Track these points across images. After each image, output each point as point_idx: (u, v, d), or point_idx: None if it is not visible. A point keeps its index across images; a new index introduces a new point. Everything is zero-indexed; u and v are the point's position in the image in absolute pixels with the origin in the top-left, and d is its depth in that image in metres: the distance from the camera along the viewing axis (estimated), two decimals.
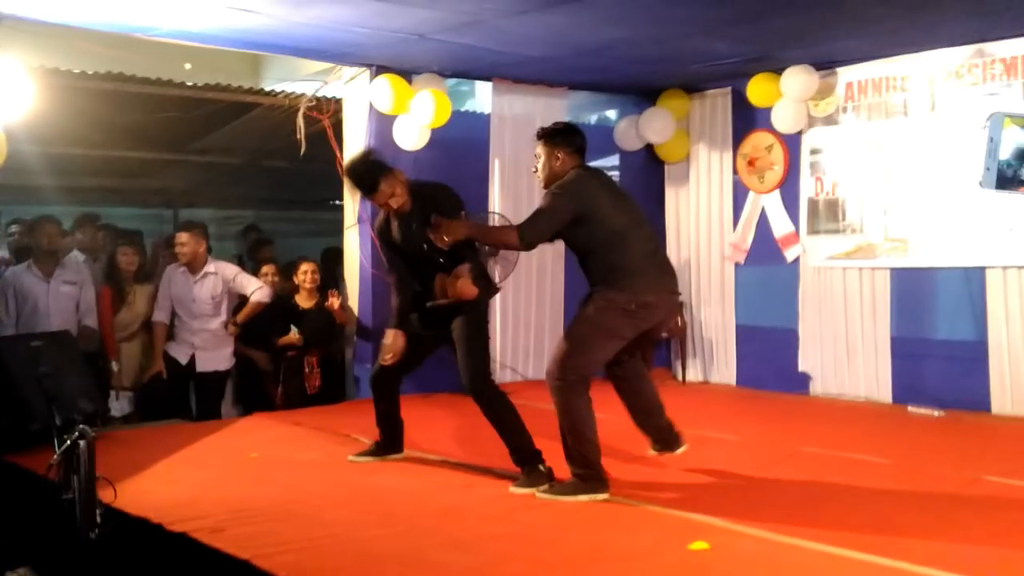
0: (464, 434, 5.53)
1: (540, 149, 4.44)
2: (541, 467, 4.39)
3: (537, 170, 4.47)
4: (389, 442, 5.04)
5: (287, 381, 6.85)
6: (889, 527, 3.74)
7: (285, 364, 6.86)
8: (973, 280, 6.43)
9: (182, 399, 6.67)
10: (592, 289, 4.33)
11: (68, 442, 3.79)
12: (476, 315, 4.57)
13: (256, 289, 6.63)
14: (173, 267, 6.62)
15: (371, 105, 6.91)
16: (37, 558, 4.18)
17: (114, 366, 6.54)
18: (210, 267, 6.59)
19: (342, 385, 7.25)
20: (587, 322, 4.28)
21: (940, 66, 6.52)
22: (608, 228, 4.24)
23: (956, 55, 6.43)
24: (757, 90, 7.31)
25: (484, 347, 4.63)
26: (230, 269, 6.74)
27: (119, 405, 6.60)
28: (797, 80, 7.02)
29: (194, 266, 6.52)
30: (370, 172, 4.59)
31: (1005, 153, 1.48)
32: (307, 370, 6.90)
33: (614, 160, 8.39)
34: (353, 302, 7.16)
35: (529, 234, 4.26)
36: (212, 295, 6.55)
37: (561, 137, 4.43)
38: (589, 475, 4.20)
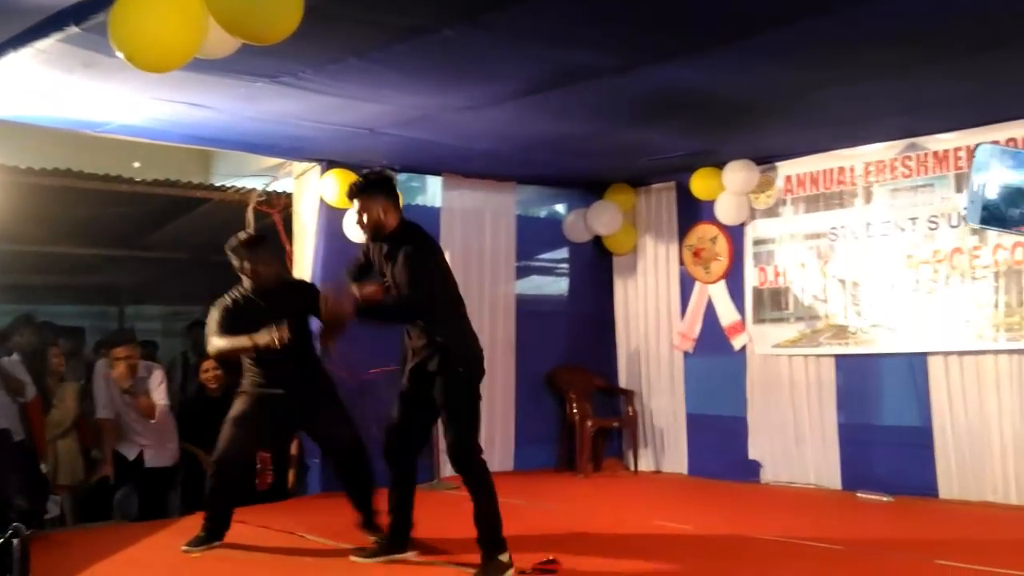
0: (421, 528, 5.41)
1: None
2: (503, 557, 4.31)
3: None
4: (396, 535, 4.78)
5: None
6: None
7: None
8: (916, 366, 6.54)
9: (125, 497, 6.48)
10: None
11: (1, 540, 3.64)
12: (457, 379, 4.48)
13: (160, 405, 6.48)
14: (104, 367, 6.46)
15: (321, 199, 6.95)
16: None
17: (43, 468, 6.33)
18: (142, 371, 6.45)
19: (287, 481, 7.10)
20: None
21: (875, 159, 6.76)
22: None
23: (889, 149, 6.67)
24: (700, 184, 7.50)
25: (469, 415, 4.50)
26: (156, 375, 6.56)
27: (51, 507, 6.39)
28: (738, 175, 7.22)
29: (127, 375, 6.38)
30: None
31: (991, 192, 1.53)
32: (259, 467, 6.75)
33: (563, 252, 8.50)
34: None
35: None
36: (141, 403, 6.41)
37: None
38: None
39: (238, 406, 5.16)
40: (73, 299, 10.59)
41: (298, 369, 5.11)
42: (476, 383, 4.55)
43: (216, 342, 5.05)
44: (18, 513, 3.94)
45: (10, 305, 8.80)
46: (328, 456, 5.04)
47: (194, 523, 5.89)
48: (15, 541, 3.60)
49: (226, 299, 5.24)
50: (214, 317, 5.14)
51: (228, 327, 5.04)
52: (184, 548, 4.96)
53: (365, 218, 4.60)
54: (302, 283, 5.53)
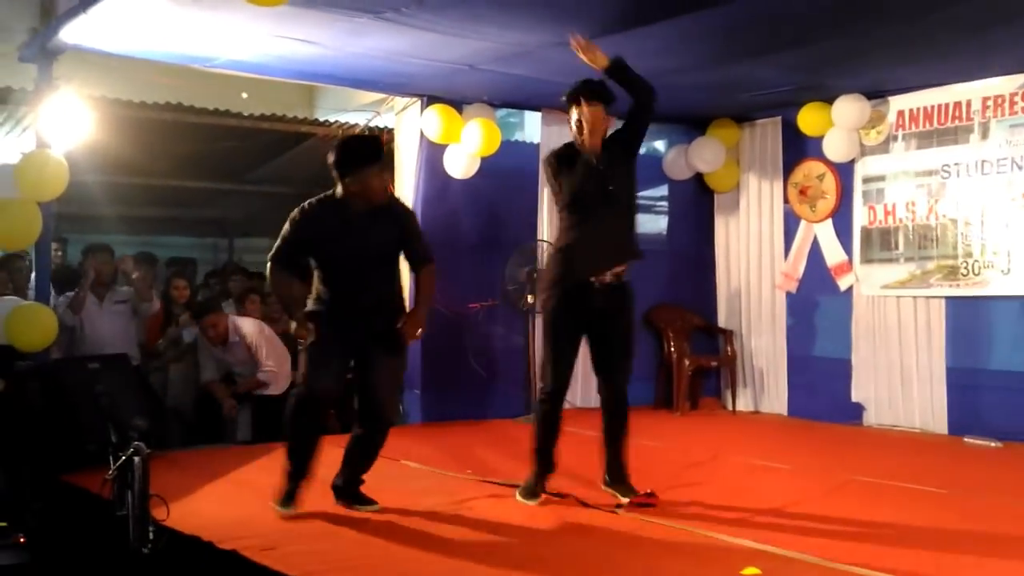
0: (513, 457, 5.50)
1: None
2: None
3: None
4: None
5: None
6: (946, 557, 3.66)
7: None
8: None
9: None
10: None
11: (123, 458, 3.86)
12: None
13: (266, 370, 6.56)
14: (201, 338, 6.63)
15: (422, 134, 7.00)
16: (90, 573, 4.25)
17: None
18: (233, 336, 6.55)
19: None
20: None
21: (993, 93, 6.45)
22: None
23: (1008, 83, 6.36)
24: (808, 119, 7.28)
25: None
26: (252, 333, 6.59)
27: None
28: (848, 109, 6.98)
29: (219, 341, 6.55)
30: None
31: None
32: None
33: (663, 190, 8.39)
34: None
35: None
36: (243, 360, 6.60)
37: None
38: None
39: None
40: (185, 231, 10.95)
41: (376, 311, 4.37)
42: None
43: (270, 274, 4.42)
44: (139, 433, 4.13)
45: (123, 236, 9.18)
46: (362, 418, 4.51)
47: None
48: (136, 459, 3.81)
49: (306, 209, 4.39)
50: (283, 233, 4.35)
51: (295, 250, 4.35)
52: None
53: (591, 124, 4.50)
54: (400, 208, 4.64)
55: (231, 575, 3.65)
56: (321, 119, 7.83)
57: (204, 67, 6.18)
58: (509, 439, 6.30)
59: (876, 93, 6.97)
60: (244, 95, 7.83)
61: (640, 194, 8.68)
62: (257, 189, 9.41)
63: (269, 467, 5.53)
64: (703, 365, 7.98)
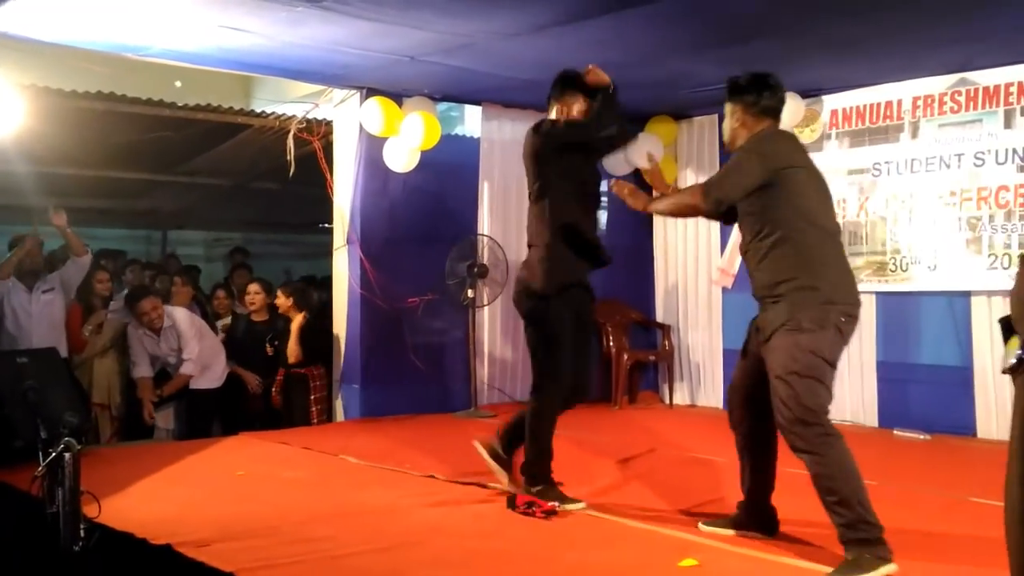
0: (456, 452, 5.51)
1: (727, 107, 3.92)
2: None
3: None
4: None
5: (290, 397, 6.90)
6: None
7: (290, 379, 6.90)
8: (958, 305, 6.48)
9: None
10: (776, 300, 3.60)
11: (53, 455, 3.77)
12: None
13: (187, 360, 6.52)
14: (133, 329, 6.56)
15: (361, 127, 6.94)
16: (20, 572, 4.14)
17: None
18: (166, 321, 6.51)
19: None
20: (807, 352, 3.48)
21: (923, 93, 6.61)
22: (803, 208, 3.58)
23: (939, 83, 6.52)
24: None
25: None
26: (182, 321, 6.56)
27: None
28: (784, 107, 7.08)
29: (155, 327, 6.49)
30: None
31: None
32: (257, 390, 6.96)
33: (603, 185, 8.41)
34: (340, 323, 7.16)
35: (713, 192, 3.73)
36: (175, 349, 6.55)
37: (739, 94, 3.84)
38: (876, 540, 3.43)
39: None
40: (118, 223, 10.73)
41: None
42: None
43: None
44: (69, 429, 4.03)
45: (52, 227, 8.94)
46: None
47: (236, 443, 6.06)
48: (66, 456, 3.72)
49: None
50: None
51: None
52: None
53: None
54: None
55: (165, 572, 3.59)
56: (257, 110, 7.71)
57: (138, 56, 6.05)
58: (450, 434, 6.30)
59: (811, 92, 7.09)
60: (178, 84, 7.70)
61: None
62: (191, 181, 9.27)
63: (201, 462, 5.48)
64: (641, 359, 8.06)
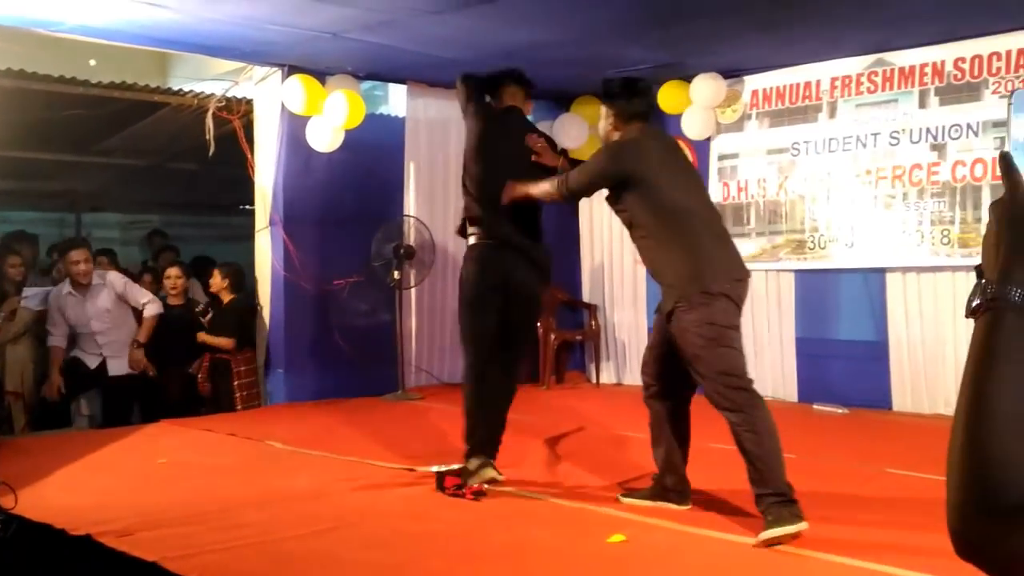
0: (384, 435, 5.49)
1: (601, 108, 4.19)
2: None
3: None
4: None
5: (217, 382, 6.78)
6: None
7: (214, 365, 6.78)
8: (873, 282, 6.66)
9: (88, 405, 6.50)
10: (664, 285, 3.89)
11: None
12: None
13: (146, 303, 6.48)
14: (57, 291, 6.42)
15: (283, 106, 6.81)
16: None
17: None
18: (96, 279, 6.40)
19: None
20: (704, 324, 3.72)
21: (841, 74, 6.75)
22: (666, 201, 3.88)
23: (855, 64, 6.66)
24: (667, 97, 7.44)
25: None
26: (116, 279, 6.57)
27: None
28: (705, 88, 7.18)
29: (80, 284, 6.33)
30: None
31: None
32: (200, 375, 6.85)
33: None
34: (265, 306, 7.05)
35: (567, 185, 4.14)
36: (106, 308, 6.39)
37: (611, 99, 4.10)
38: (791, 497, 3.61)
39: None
40: (30, 205, 10.38)
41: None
42: None
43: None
44: None
45: None
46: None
47: (157, 430, 5.94)
48: None
49: None
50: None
51: None
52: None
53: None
54: None
55: (86, 562, 3.50)
56: (175, 88, 7.52)
57: (50, 31, 5.84)
58: (377, 417, 6.27)
59: (732, 72, 7.18)
60: (92, 62, 7.46)
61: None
62: (107, 161, 9.01)
63: (122, 450, 5.35)
64: (568, 339, 8.11)
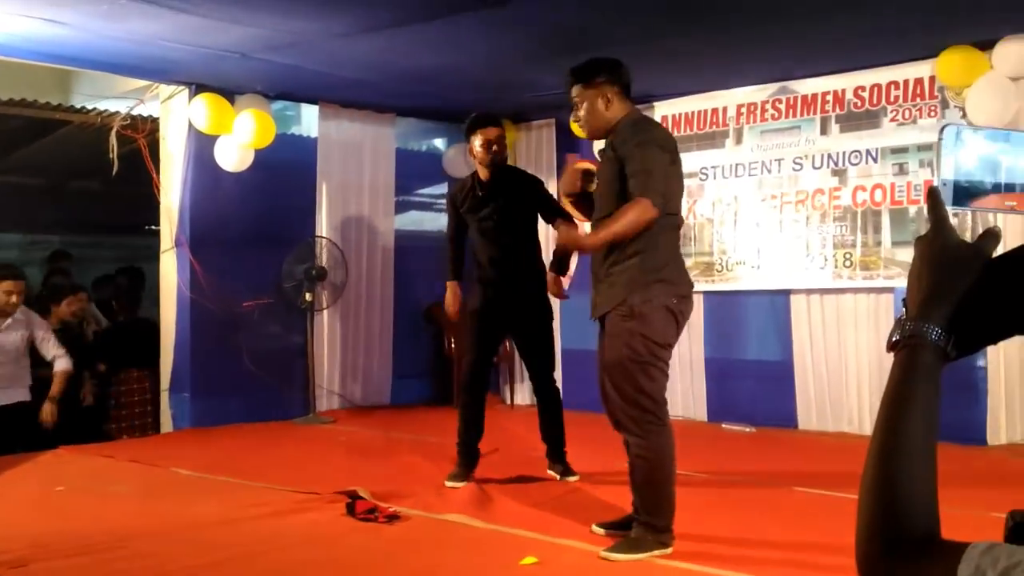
0: (293, 460, 5.39)
1: (577, 93, 3.79)
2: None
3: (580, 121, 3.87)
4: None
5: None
6: (707, 535, 3.87)
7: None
8: (778, 303, 6.82)
9: None
10: (611, 276, 3.61)
11: None
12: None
13: (58, 358, 6.12)
14: None
15: (191, 124, 6.68)
16: None
17: None
18: (19, 315, 6.05)
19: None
20: (638, 337, 3.54)
21: (747, 101, 6.92)
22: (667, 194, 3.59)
23: (760, 92, 6.84)
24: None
25: None
26: (42, 326, 6.19)
27: None
28: None
29: (6, 310, 6.04)
30: None
31: (969, 162, 1.44)
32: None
33: (443, 187, 8.42)
34: (169, 328, 6.87)
35: (657, 198, 3.50)
36: (16, 345, 6.09)
37: (606, 74, 3.76)
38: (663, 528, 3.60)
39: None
40: None
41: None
42: None
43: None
44: None
45: None
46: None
47: (55, 457, 5.71)
48: None
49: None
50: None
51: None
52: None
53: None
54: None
55: None
56: (77, 106, 7.30)
57: None
58: (286, 442, 6.15)
59: (644, 98, 7.27)
60: None
61: (421, 191, 8.78)
62: (4, 180, 8.69)
63: (16, 477, 5.14)
64: None
